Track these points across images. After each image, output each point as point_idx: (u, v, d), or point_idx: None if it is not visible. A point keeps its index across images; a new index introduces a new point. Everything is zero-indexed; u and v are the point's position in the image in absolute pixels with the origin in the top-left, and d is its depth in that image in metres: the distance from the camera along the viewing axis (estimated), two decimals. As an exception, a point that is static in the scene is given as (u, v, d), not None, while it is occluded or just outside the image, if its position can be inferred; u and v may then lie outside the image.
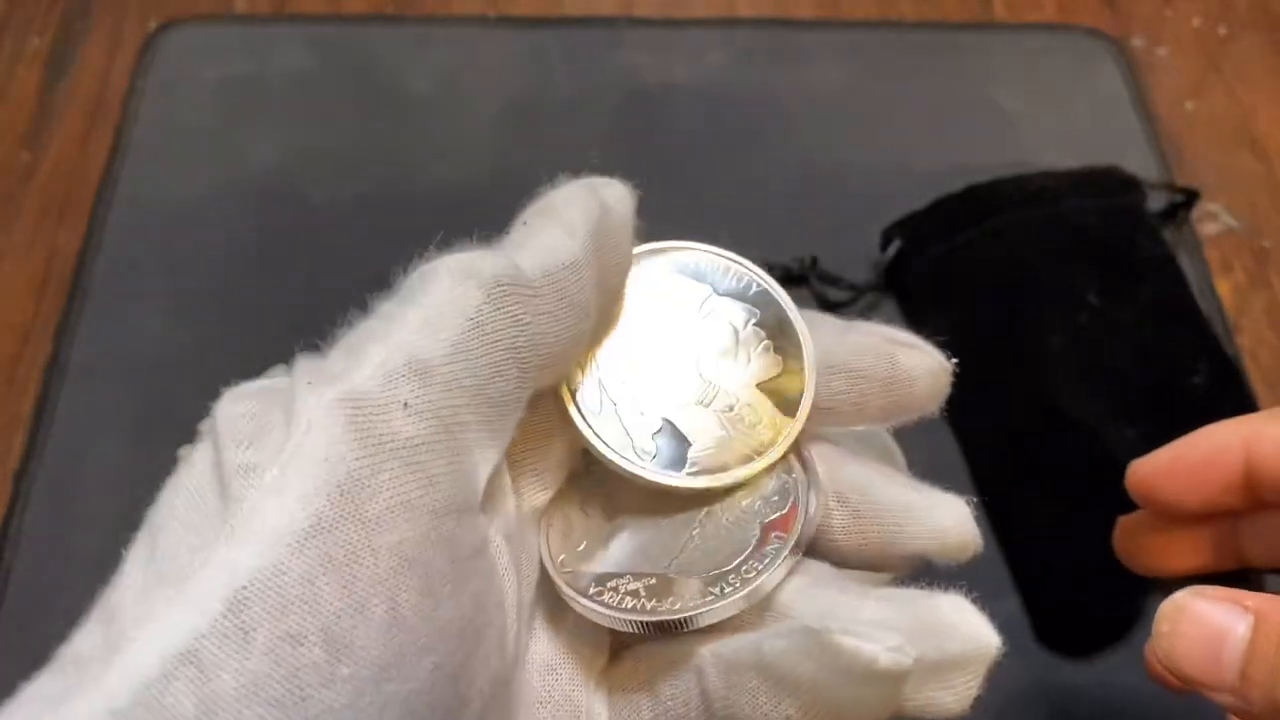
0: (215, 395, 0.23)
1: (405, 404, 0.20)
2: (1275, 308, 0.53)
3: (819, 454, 0.26)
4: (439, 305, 0.21)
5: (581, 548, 0.25)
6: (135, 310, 0.50)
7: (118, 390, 0.48)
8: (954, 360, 0.27)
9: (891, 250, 0.51)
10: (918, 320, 0.51)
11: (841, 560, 0.26)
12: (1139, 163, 0.55)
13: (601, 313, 0.25)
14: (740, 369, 0.26)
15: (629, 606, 0.24)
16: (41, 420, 0.47)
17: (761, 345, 0.26)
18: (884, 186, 0.54)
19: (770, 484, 0.26)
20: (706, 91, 0.59)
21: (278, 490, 0.19)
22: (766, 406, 0.26)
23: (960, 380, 0.51)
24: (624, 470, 0.25)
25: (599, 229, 0.24)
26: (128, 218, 0.54)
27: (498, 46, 0.61)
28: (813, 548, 0.25)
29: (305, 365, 0.22)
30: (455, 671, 0.20)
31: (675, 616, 0.23)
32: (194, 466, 0.21)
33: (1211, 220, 0.56)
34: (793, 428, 0.26)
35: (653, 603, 0.24)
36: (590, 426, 0.25)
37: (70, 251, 0.53)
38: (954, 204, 0.51)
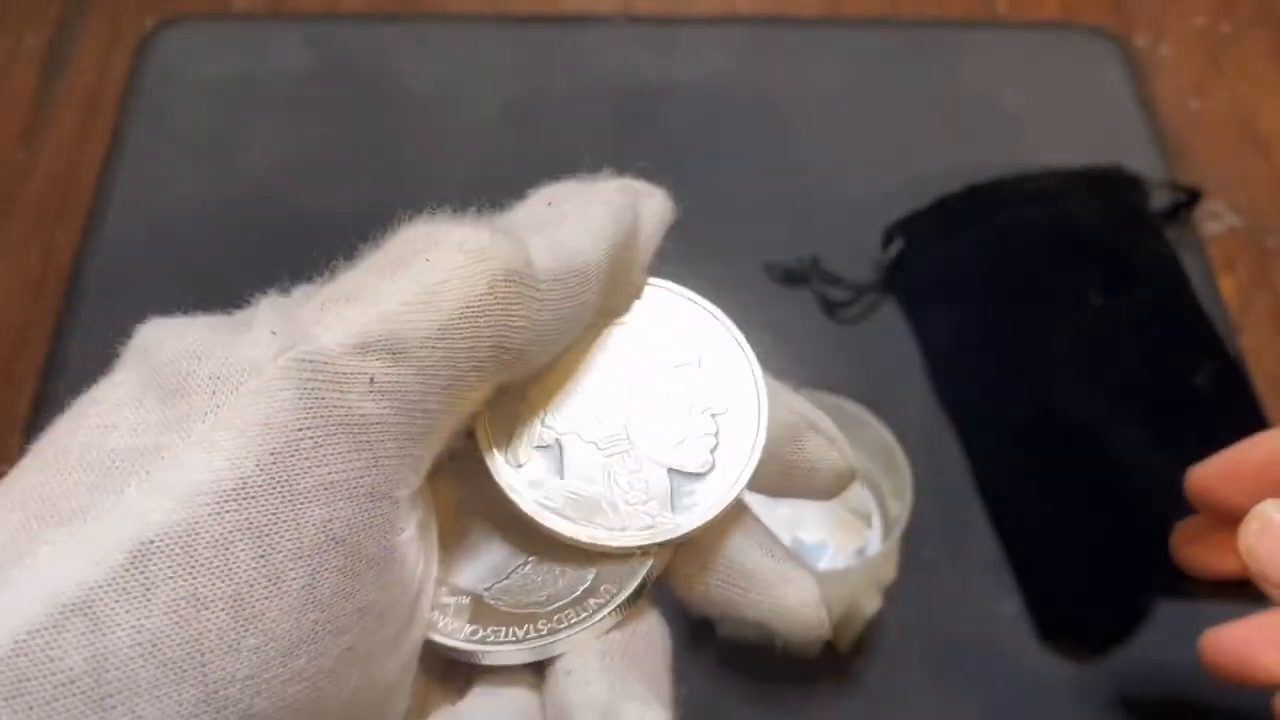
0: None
1: (372, 379, 0.19)
2: (1279, 307, 0.53)
3: None
4: (439, 283, 0.20)
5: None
6: (133, 309, 0.50)
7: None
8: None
9: (893, 249, 0.51)
10: (919, 319, 0.51)
11: (686, 605, 0.24)
12: (1141, 161, 0.55)
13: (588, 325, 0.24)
14: (666, 447, 0.24)
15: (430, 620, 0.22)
16: (39, 420, 0.47)
17: (703, 436, 0.24)
18: (885, 185, 0.54)
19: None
20: (706, 90, 0.59)
21: (206, 445, 0.18)
22: (662, 494, 0.23)
23: (963, 380, 0.51)
24: (487, 463, 0.23)
25: (625, 243, 0.23)
26: (125, 216, 0.53)
27: (496, 45, 0.61)
28: (659, 582, 0.24)
29: (272, 306, 0.20)
30: (366, 655, 0.19)
31: (454, 645, 0.22)
32: (106, 400, 0.19)
33: (1214, 219, 0.56)
34: (669, 537, 0.23)
35: (451, 622, 0.22)
36: (485, 411, 0.23)
37: (67, 250, 0.52)
38: (956, 203, 0.51)
